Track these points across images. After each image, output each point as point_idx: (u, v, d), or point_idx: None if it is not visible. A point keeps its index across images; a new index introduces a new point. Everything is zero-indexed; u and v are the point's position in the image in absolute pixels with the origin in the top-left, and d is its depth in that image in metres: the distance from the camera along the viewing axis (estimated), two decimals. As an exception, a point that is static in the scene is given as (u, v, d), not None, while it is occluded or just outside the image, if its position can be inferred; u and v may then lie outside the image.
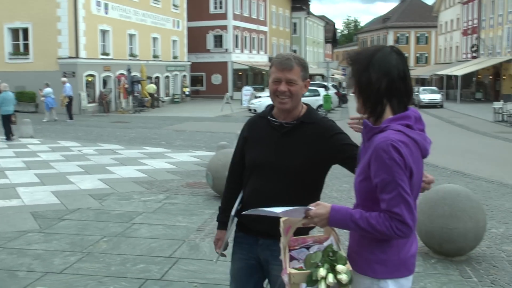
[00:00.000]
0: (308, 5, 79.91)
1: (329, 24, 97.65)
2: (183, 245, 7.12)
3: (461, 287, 5.79)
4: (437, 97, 45.55)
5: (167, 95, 46.35)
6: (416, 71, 75.91)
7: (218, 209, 3.60)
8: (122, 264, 6.33)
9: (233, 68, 55.22)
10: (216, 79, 55.19)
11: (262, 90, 48.98)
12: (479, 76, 57.03)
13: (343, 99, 45.01)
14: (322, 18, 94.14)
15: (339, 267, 2.46)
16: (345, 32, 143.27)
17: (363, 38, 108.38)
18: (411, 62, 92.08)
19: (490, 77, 55.49)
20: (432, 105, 44.46)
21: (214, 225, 7.91)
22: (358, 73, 2.62)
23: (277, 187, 3.14)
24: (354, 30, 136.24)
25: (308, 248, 2.79)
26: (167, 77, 46.56)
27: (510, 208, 9.71)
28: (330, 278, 2.42)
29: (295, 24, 76.62)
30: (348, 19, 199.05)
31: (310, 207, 2.58)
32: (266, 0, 63.37)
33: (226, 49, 54.54)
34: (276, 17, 68.19)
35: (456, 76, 49.48)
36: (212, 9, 54.42)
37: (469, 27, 60.52)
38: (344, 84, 68.67)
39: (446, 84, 54.19)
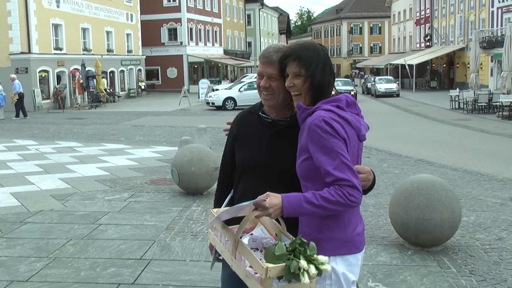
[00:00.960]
0: (261, -4, 79.85)
1: (283, 15, 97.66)
2: (154, 245, 6.87)
3: (441, 278, 5.71)
4: (393, 86, 45.81)
5: (122, 89, 45.64)
6: (370, 61, 76.73)
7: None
8: (91, 269, 6.04)
9: (189, 61, 54.73)
10: (172, 72, 54.64)
11: (219, 83, 48.70)
12: (433, 65, 57.89)
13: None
14: (276, 9, 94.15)
15: (321, 257, 2.47)
16: (299, 23, 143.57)
17: (317, 28, 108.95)
18: (366, 52, 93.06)
19: (444, 65, 56.34)
20: (388, 95, 44.77)
21: (184, 223, 7.80)
22: (315, 73, 2.75)
23: (269, 189, 2.86)
24: (308, 21, 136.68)
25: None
26: (122, 71, 45.86)
27: (477, 196, 9.73)
28: (313, 269, 2.42)
29: (249, 16, 76.43)
30: (301, 10, 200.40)
31: (263, 198, 2.55)
32: (219, -8, 63.03)
33: (181, 42, 53.99)
34: (230, 9, 67.89)
35: (411, 65, 50.02)
36: (165, 2, 53.70)
37: (422, 16, 61.33)
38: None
39: (401, 73, 54.75)
